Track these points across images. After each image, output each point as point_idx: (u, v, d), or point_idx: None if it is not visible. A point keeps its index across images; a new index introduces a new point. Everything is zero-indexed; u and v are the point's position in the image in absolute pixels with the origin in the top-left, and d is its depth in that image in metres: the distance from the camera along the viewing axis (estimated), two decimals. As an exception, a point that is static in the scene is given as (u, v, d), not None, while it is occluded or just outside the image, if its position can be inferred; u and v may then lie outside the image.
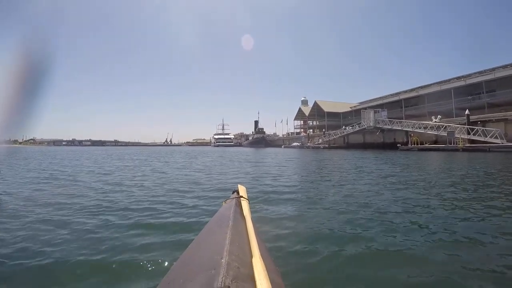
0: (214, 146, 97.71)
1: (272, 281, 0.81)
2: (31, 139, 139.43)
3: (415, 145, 29.00)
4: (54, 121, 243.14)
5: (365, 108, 42.78)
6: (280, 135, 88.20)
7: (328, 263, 2.45)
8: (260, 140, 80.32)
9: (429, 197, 5.20)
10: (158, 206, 4.63)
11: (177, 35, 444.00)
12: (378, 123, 37.64)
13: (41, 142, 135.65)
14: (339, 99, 65.67)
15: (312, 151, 35.34)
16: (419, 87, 42.78)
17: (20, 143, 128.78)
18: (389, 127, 35.59)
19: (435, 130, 29.01)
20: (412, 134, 30.54)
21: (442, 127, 28.37)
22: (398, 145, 30.94)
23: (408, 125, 32.81)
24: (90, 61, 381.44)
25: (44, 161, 17.58)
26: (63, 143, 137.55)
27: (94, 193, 5.88)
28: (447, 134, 26.39)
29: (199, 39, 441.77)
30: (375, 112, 38.76)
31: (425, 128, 30.23)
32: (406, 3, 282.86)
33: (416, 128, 31.29)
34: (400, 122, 34.34)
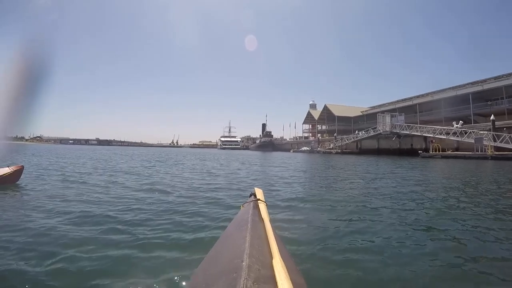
0: (220, 148, 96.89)
1: (293, 282, 0.82)
2: (38, 137, 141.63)
3: (438, 152, 26.90)
4: (60, 120, 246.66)
5: (377, 113, 41.05)
6: (288, 139, 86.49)
7: (347, 268, 2.38)
8: (268, 143, 78.50)
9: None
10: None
11: (184, 36, 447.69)
12: (395, 128, 35.65)
13: (48, 140, 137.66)
14: (345, 103, 63.62)
15: (324, 156, 33.49)
16: (432, 92, 41.65)
17: (27, 140, 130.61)
18: (407, 132, 33.51)
19: (457, 136, 27.07)
20: (433, 140, 28.44)
21: (466, 133, 26.43)
22: (419, 152, 28.71)
23: (428, 131, 30.74)
24: (95, 60, 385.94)
25: (77, 163, 14.26)
26: (70, 141, 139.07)
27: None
28: (475, 140, 24.28)
29: (206, 41, 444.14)
30: (391, 116, 36.80)
31: (447, 134, 28.30)
32: (409, 8, 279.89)
33: (437, 133, 29.29)
34: (420, 127, 32.24)
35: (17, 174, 7.02)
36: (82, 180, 7.75)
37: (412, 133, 32.96)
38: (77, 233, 3.15)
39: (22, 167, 7.26)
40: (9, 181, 6.75)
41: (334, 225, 3.61)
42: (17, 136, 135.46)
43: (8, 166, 7.04)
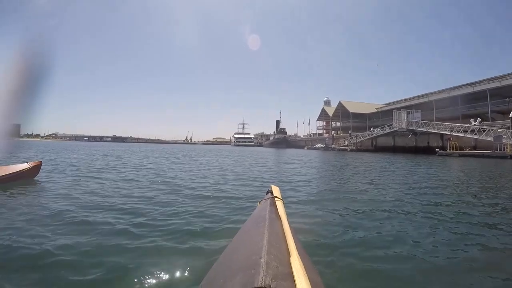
0: (234, 145, 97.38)
1: (310, 280, 0.82)
2: (53, 134, 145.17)
3: (455, 150, 26.60)
4: (74, 117, 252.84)
5: (392, 110, 40.61)
6: (301, 136, 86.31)
7: (365, 265, 2.43)
8: (282, 140, 78.64)
9: None
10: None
11: (193, 37, 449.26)
12: (411, 125, 35.27)
13: (63, 137, 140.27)
14: (359, 100, 62.95)
15: (339, 154, 33.64)
16: (449, 88, 40.75)
17: (42, 137, 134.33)
18: (424, 129, 33.20)
19: (475, 134, 26.69)
20: (451, 138, 28.11)
21: (484, 131, 26.01)
22: (436, 149, 28.43)
23: (445, 128, 30.33)
24: (114, 58, 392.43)
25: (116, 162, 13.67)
26: (85, 138, 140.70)
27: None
28: (494, 139, 23.92)
29: (217, 40, 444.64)
30: (407, 113, 36.35)
31: (465, 131, 27.89)
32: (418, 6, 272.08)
33: (455, 131, 28.88)
34: (437, 125, 31.84)
35: (35, 169, 7.28)
36: (104, 176, 8.10)
37: (429, 130, 32.58)
38: (101, 225, 3.40)
39: (41, 163, 7.56)
40: (28, 176, 6.96)
41: (355, 226, 3.59)
42: (32, 133, 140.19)
43: (27, 162, 7.23)
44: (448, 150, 27.17)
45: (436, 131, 31.46)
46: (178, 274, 2.24)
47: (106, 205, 4.45)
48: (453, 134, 28.74)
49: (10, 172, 6.52)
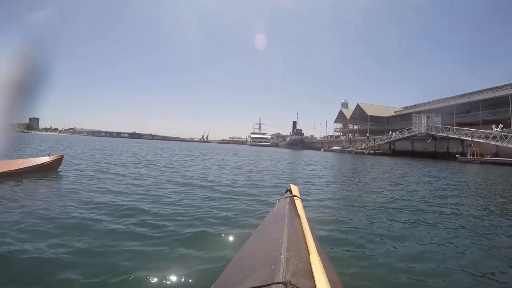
0: (250, 145, 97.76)
1: (329, 279, 0.82)
2: (71, 129, 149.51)
3: (476, 157, 26.32)
4: (93, 113, 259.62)
5: (411, 114, 40.10)
6: (318, 138, 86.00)
7: (380, 268, 2.45)
8: (298, 141, 78.58)
9: None
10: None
11: (202, 38, 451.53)
12: (431, 129, 34.89)
13: (81, 132, 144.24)
14: (376, 103, 62.04)
15: (356, 157, 33.84)
16: (469, 93, 39.75)
17: (60, 131, 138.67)
18: (444, 134, 32.81)
19: (497, 141, 26.23)
20: (472, 144, 27.74)
21: (506, 137, 25.53)
22: (456, 156, 28.17)
23: (466, 134, 29.87)
24: (126, 57, 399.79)
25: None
26: (102, 134, 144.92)
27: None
28: (519, 146, 23.51)
29: (239, 40, 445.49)
30: (427, 117, 35.91)
31: (486, 137, 27.42)
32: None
33: (476, 137, 28.42)
34: (457, 130, 31.43)
35: (57, 162, 7.62)
36: (122, 172, 8.45)
37: (449, 135, 32.18)
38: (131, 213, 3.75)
39: (62, 156, 7.92)
40: (49, 169, 7.29)
41: (374, 228, 3.66)
42: (50, 127, 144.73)
43: (48, 155, 7.56)
44: (469, 157, 26.90)
45: (457, 137, 31.03)
46: (194, 269, 2.27)
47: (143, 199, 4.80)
48: (474, 140, 28.32)
49: (33, 165, 6.93)
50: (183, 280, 2.12)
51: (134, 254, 2.52)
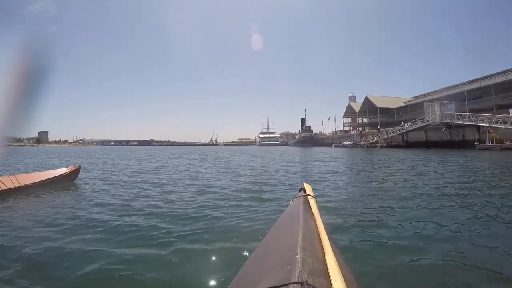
0: (259, 145, 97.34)
1: (345, 279, 0.82)
2: (80, 140, 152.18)
3: (496, 143, 25.30)
4: (102, 123, 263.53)
5: (422, 103, 38.98)
6: (327, 134, 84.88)
7: (398, 269, 2.40)
8: (308, 139, 77.47)
9: None
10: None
11: (212, 42, 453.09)
12: (445, 117, 33.78)
13: (90, 143, 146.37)
14: (383, 95, 60.89)
15: (369, 151, 32.96)
16: (480, 78, 38.39)
17: (70, 143, 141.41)
18: (460, 122, 31.72)
19: (517, 125, 25.13)
20: (490, 130, 26.67)
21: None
22: (475, 143, 27.13)
23: (482, 120, 28.79)
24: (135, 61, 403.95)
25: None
26: (111, 143, 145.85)
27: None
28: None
29: (244, 44, 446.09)
30: (441, 105, 34.78)
31: (504, 122, 26.26)
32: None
33: (493, 123, 27.27)
34: (473, 116, 30.35)
35: (75, 173, 7.86)
36: (145, 180, 8.69)
37: (465, 122, 31.11)
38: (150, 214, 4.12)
39: (79, 167, 8.14)
40: (68, 179, 7.57)
41: (391, 229, 3.51)
42: (60, 139, 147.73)
43: (66, 166, 7.87)
44: (488, 144, 25.90)
45: (474, 123, 29.99)
46: (211, 268, 2.36)
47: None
48: (492, 126, 27.25)
49: (53, 176, 7.19)
50: (203, 278, 2.22)
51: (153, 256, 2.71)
